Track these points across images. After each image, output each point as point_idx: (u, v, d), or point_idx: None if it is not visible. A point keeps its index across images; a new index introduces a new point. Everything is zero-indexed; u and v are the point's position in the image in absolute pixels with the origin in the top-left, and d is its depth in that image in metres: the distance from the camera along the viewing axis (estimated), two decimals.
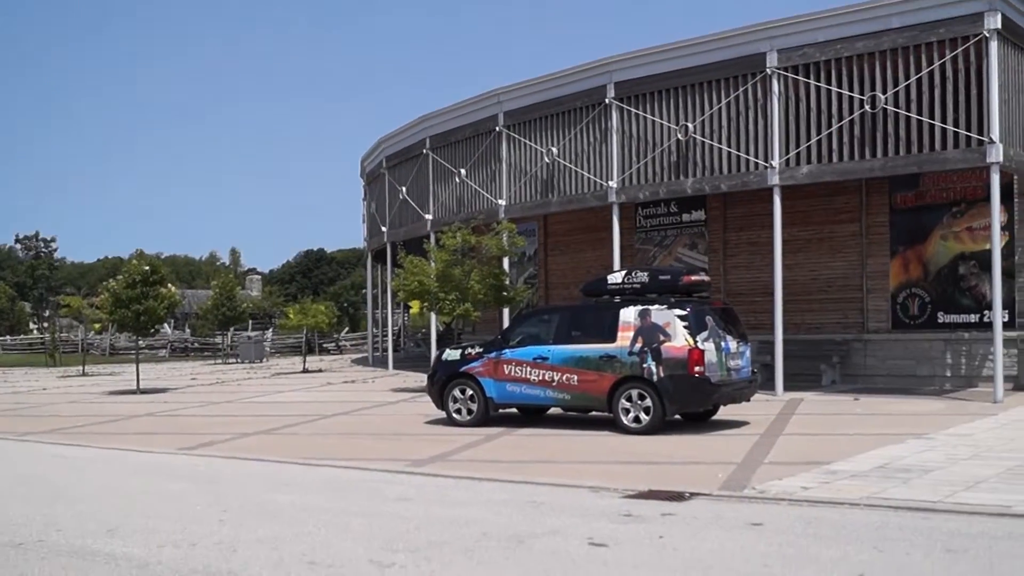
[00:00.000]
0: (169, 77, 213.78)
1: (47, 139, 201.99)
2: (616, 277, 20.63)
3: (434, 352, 37.35)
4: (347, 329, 71.63)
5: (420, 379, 34.67)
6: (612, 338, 19.44)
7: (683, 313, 19.03)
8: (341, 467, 16.12)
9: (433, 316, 36.99)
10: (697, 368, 18.67)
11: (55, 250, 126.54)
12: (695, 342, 18.75)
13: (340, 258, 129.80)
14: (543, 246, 38.01)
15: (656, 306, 19.33)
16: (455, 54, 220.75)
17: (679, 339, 18.84)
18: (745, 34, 27.08)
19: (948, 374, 27.67)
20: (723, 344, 19.29)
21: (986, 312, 26.91)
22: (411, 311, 59.61)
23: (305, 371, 43.05)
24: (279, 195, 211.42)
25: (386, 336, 55.72)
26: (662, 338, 18.95)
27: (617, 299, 20.14)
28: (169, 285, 35.22)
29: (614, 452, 17.07)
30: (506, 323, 33.74)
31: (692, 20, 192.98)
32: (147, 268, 33.62)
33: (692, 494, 12.80)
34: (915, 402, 24.08)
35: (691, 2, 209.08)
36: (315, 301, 62.52)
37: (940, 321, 27.95)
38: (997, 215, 23.52)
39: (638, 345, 19.10)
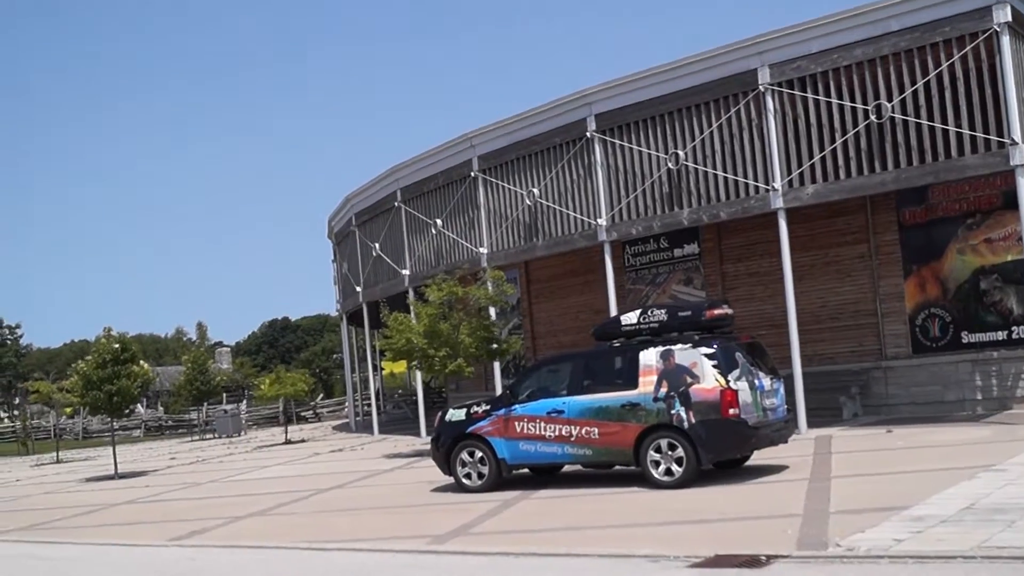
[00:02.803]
0: (121, 155, 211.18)
1: (5, 227, 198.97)
2: (631, 317, 18.74)
3: (422, 413, 35.49)
4: (321, 396, 69.52)
5: (411, 443, 32.90)
6: (633, 384, 17.59)
7: (710, 351, 17.21)
8: (356, 550, 14.32)
9: (419, 375, 35.14)
10: (731, 410, 16.85)
11: (20, 336, 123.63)
12: (727, 382, 16.94)
13: (306, 325, 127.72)
14: (526, 294, 36.20)
15: (679, 345, 17.51)
16: (420, 103, 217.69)
17: (709, 380, 17.02)
18: (732, 51, 25.49)
19: (979, 397, 25.83)
20: (756, 382, 17.49)
21: (1014, 328, 25.32)
22: (383, 372, 57.81)
23: (288, 442, 40.98)
24: (240, 266, 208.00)
25: (367, 400, 53.88)
26: (689, 380, 17.13)
27: (634, 341, 18.32)
28: (141, 362, 33.19)
29: (653, 511, 15.21)
30: (497, 377, 32.00)
31: (672, 43, 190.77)
32: (117, 346, 31.73)
33: (770, 557, 11.04)
34: (954, 430, 22.27)
35: (670, 24, 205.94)
36: (288, 370, 60.59)
37: (965, 341, 26.18)
38: None
39: (663, 390, 17.26)
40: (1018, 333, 25.30)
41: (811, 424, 24.33)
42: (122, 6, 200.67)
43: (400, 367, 67.30)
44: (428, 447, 29.06)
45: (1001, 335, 25.69)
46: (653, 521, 14.36)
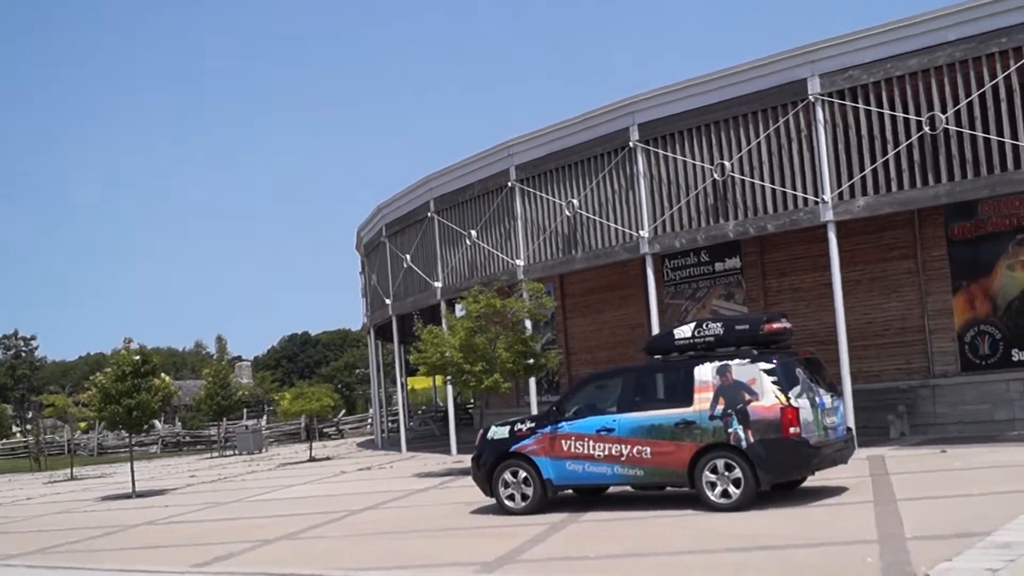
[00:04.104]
0: (141, 164, 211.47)
1: (20, 238, 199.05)
2: (684, 331, 18.00)
3: (452, 430, 34.86)
4: (343, 411, 68.93)
5: (441, 461, 32.22)
6: (688, 401, 16.89)
7: (770, 366, 16.51)
8: None
9: (449, 391, 34.49)
10: (792, 429, 16.13)
11: (35, 348, 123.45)
12: (787, 399, 16.24)
13: (326, 340, 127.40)
14: (561, 308, 35.44)
15: (736, 360, 16.80)
16: (456, 112, 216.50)
17: (768, 397, 16.31)
18: (782, 60, 24.90)
19: None
20: (817, 399, 16.80)
21: None
22: (408, 387, 57.19)
23: (312, 459, 40.24)
24: (260, 279, 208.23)
25: (392, 417, 53.31)
26: (748, 397, 16.41)
27: (688, 356, 17.65)
28: (163, 375, 32.30)
29: (714, 536, 14.48)
30: (532, 394, 31.38)
31: (719, 52, 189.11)
32: (138, 358, 30.68)
33: None
34: (1009, 450, 21.65)
35: (717, 34, 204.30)
36: (310, 384, 60.05)
37: (1015, 359, 25.48)
38: None
39: (720, 407, 16.56)
40: None
41: (860, 443, 23.51)
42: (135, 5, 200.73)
43: (423, 383, 66.87)
44: (460, 465, 28.64)
45: None
46: (717, 547, 13.67)
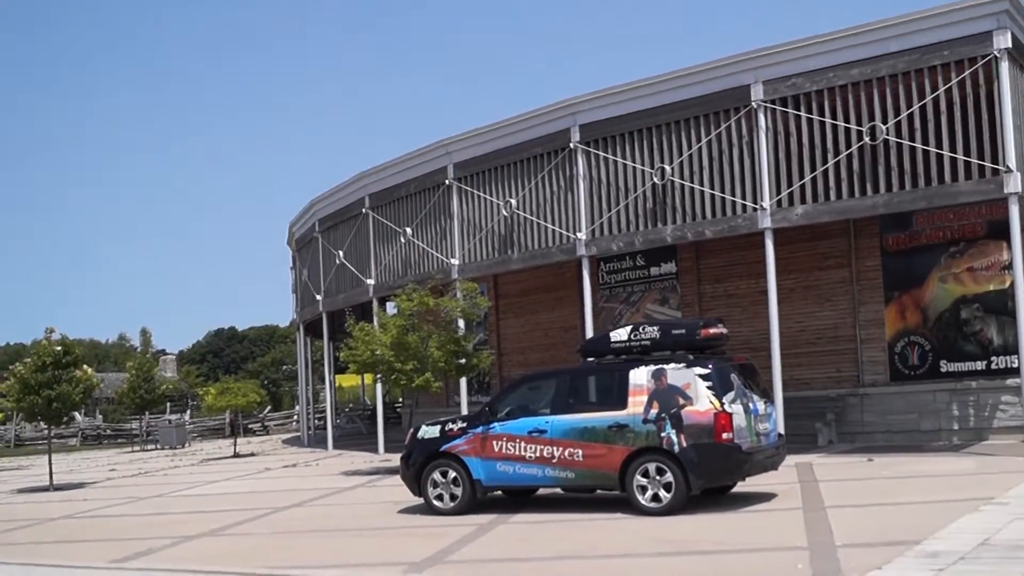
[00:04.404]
0: (67, 149, 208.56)
1: None
2: (621, 334, 17.84)
3: (380, 429, 34.51)
4: (269, 408, 68.24)
5: (369, 459, 31.87)
6: (622, 404, 16.74)
7: (705, 371, 16.42)
8: None
9: (378, 389, 34.16)
10: (725, 435, 16.05)
11: None
12: (721, 405, 16.15)
13: (253, 335, 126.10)
14: (494, 308, 35.13)
15: (672, 365, 16.68)
16: (392, 109, 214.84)
17: (702, 402, 16.22)
18: (726, 65, 24.91)
19: (955, 427, 25.35)
20: (751, 405, 16.73)
21: (994, 358, 24.90)
22: (336, 385, 56.74)
23: (236, 455, 39.64)
24: (186, 272, 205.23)
25: (319, 414, 52.89)
26: (682, 402, 16.31)
27: (623, 359, 17.51)
28: (85, 367, 31.60)
29: (646, 540, 14.35)
30: (463, 394, 31.15)
31: (663, 56, 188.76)
32: (59, 348, 30.00)
33: None
34: (936, 460, 21.78)
35: (661, 37, 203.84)
36: (237, 380, 59.35)
37: (943, 370, 25.72)
38: (1020, 251, 21.37)
39: (654, 411, 16.43)
40: (997, 363, 24.93)
41: (788, 450, 23.48)
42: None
43: (351, 380, 66.36)
44: (387, 464, 28.33)
45: (980, 365, 25.32)
46: (649, 551, 13.53)
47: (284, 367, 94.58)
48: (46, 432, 34.84)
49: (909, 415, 25.95)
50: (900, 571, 10.94)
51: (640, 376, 16.77)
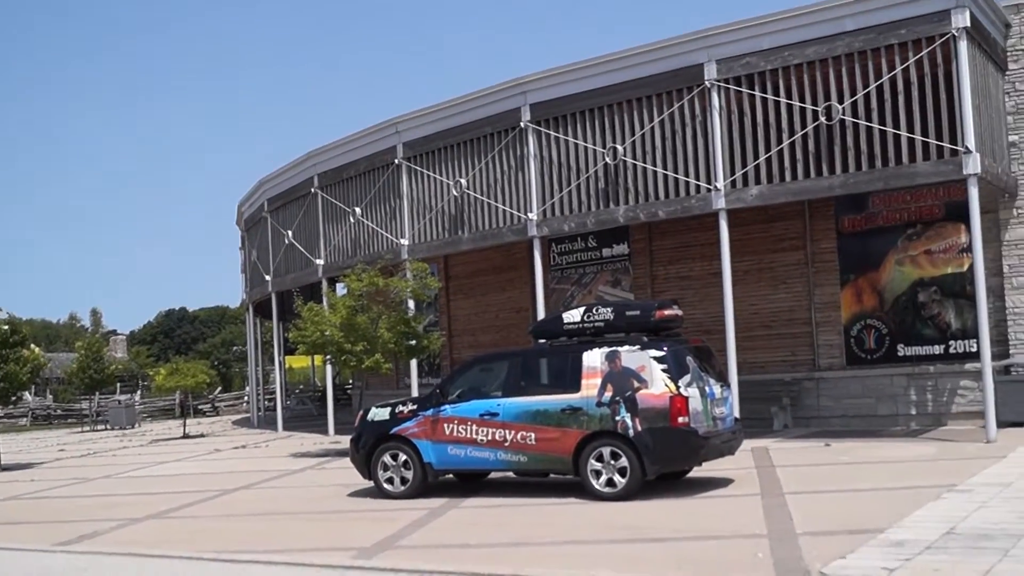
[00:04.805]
0: (16, 127, 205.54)
1: None
2: (574, 315, 17.42)
3: (330, 411, 34.01)
4: (219, 389, 67.56)
5: (318, 441, 31.43)
6: (575, 387, 16.36)
7: (660, 354, 16.04)
8: (271, 563, 12.68)
9: (328, 370, 33.63)
10: (681, 419, 15.69)
11: None
12: (677, 388, 15.78)
13: (203, 316, 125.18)
14: (444, 290, 34.69)
15: (626, 347, 16.30)
16: (341, 86, 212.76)
17: (657, 385, 15.85)
18: (679, 44, 24.47)
19: (913, 412, 25.12)
20: (707, 389, 16.36)
21: (952, 343, 24.69)
22: (286, 366, 56.14)
23: (186, 436, 39.06)
24: (136, 252, 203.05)
25: (269, 395, 52.32)
26: (637, 384, 15.93)
27: (576, 341, 17.12)
28: (32, 346, 31.02)
29: (600, 526, 13.96)
30: (413, 375, 30.71)
31: (614, 34, 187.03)
32: (6, 327, 29.50)
33: None
34: (895, 446, 21.52)
35: (613, 15, 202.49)
36: (187, 360, 58.56)
37: (900, 354, 25.46)
38: (979, 233, 21.11)
39: (608, 394, 16.05)
40: (956, 348, 24.68)
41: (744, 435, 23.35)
42: None
43: (301, 362, 65.75)
44: (337, 446, 27.86)
45: (938, 349, 25.05)
46: (603, 538, 13.13)
47: (234, 348, 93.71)
48: None
49: (866, 399, 25.72)
50: (864, 560, 10.60)
51: (594, 358, 16.39)
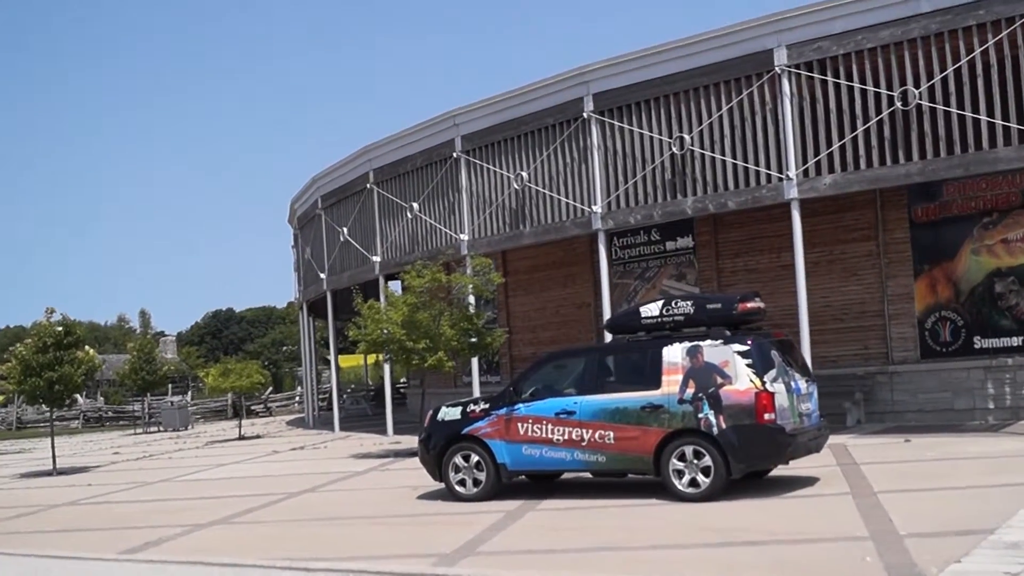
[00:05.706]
0: (62, 132, 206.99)
1: None
2: (652, 309, 16.82)
3: (389, 410, 33.56)
4: (271, 389, 67.41)
5: (378, 442, 30.99)
6: (655, 384, 15.77)
7: (744, 348, 15.43)
8: (348, 572, 12.18)
9: (387, 369, 33.18)
10: (767, 415, 15.08)
11: None
12: (762, 383, 15.17)
13: (250, 316, 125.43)
14: (503, 286, 34.03)
15: (708, 341, 15.70)
16: (397, 81, 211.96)
17: (742, 381, 15.24)
18: (747, 29, 23.79)
19: (991, 406, 24.30)
20: (792, 384, 15.76)
21: None
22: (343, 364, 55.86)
23: (241, 438, 38.75)
24: (184, 253, 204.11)
25: (323, 395, 52.02)
26: (720, 380, 15.33)
27: (655, 335, 16.52)
28: (87, 348, 30.72)
29: (689, 529, 13.41)
30: (474, 373, 30.21)
31: (681, 20, 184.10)
32: (60, 329, 29.15)
33: None
34: (978, 441, 20.76)
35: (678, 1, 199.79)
36: (238, 360, 58.48)
37: (977, 347, 24.67)
38: None
39: (690, 391, 15.46)
40: None
41: None
42: None
43: (351, 361, 65.39)
44: (398, 446, 27.40)
45: (1016, 341, 24.23)
46: (695, 542, 12.57)
47: (284, 348, 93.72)
48: (48, 415, 33.85)
49: (942, 394, 24.92)
50: (981, 564, 10.03)
51: (674, 353, 15.82)
